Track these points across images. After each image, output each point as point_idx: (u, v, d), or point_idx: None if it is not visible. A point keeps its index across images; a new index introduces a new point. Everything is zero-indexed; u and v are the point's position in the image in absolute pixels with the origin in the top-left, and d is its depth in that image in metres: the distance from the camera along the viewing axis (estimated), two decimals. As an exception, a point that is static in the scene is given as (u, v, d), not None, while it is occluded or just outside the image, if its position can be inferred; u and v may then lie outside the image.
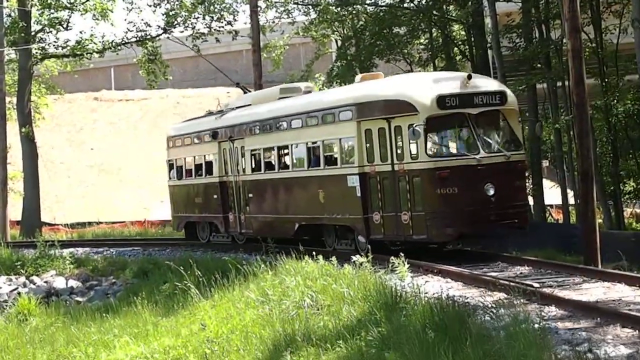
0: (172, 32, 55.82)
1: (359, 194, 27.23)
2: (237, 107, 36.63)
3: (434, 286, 20.26)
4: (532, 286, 19.10)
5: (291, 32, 52.10)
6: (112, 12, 55.93)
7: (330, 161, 29.32)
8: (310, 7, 51.18)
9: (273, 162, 32.97)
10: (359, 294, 18.22)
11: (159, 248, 39.86)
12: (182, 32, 56.28)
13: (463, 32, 50.60)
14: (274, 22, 52.11)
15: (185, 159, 39.61)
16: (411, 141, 25.21)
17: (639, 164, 43.15)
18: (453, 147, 26.74)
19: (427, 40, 49.87)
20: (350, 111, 27.97)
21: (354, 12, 48.55)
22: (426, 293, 17.93)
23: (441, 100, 25.37)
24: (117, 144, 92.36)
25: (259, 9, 47.99)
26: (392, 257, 21.62)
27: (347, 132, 27.95)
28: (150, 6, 55.83)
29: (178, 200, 40.48)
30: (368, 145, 27.18)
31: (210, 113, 40.30)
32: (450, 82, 26.46)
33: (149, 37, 55.83)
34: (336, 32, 50.31)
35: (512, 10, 50.31)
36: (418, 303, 15.90)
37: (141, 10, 71.67)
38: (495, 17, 43.81)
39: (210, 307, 21.21)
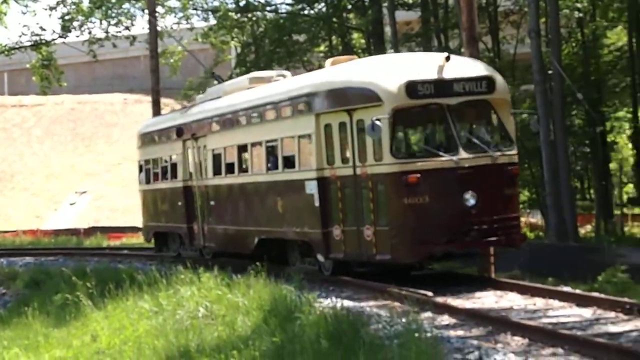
0: (67, 36, 53.85)
1: (317, 204, 22.21)
2: (206, 101, 31.24)
3: (329, 296, 19.75)
4: (425, 295, 18.59)
5: (190, 38, 51.91)
6: (5, 14, 54.03)
7: (289, 164, 23.86)
8: (209, 13, 51.16)
9: (234, 165, 27.09)
10: (253, 303, 17.90)
11: (52, 258, 38.14)
12: (79, 36, 54.44)
13: (363, 40, 50.12)
14: (172, 28, 51.87)
15: (152, 160, 33.97)
16: (371, 138, 20.15)
17: (533, 174, 43.56)
18: (425, 146, 21.56)
19: (327, 48, 50.04)
20: (307, 102, 22.76)
21: (253, 19, 48.33)
22: (321, 303, 17.75)
23: (412, 88, 20.23)
24: (10, 151, 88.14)
25: (157, 14, 46.65)
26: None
27: (305, 128, 22.74)
28: (46, 10, 53.65)
29: (146, 207, 35.15)
30: (328, 144, 22.06)
31: (184, 107, 36.11)
32: (424, 66, 21.09)
33: (44, 41, 53.64)
34: (235, 39, 50.24)
35: (412, 19, 50.97)
36: (313, 313, 15.96)
37: (36, 14, 70.57)
38: (394, 26, 42.95)
39: (103, 318, 20.74)
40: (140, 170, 35.48)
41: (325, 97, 22.21)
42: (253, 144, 25.86)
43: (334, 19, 45.34)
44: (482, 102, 21.36)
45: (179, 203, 30.90)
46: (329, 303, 17.62)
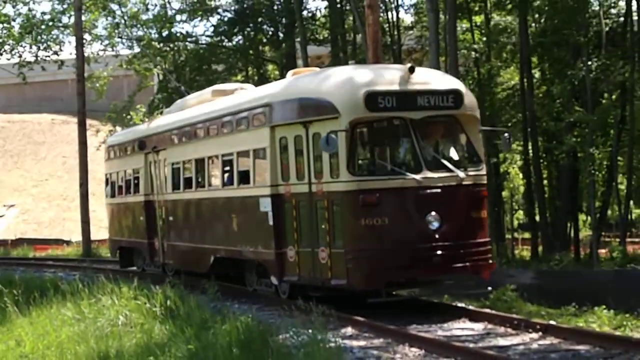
0: (-1, 59, 50.74)
1: (271, 222, 19.48)
2: (169, 113, 28.90)
3: (241, 308, 19.73)
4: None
5: (115, 64, 51.59)
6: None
7: (245, 179, 21.15)
8: (134, 41, 50.83)
9: (191, 179, 24.29)
10: (169, 313, 18.06)
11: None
12: (9, 59, 52.99)
13: (277, 72, 49.79)
14: (98, 54, 51.46)
15: (118, 173, 30.84)
16: (327, 153, 17.65)
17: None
18: (385, 164, 18.83)
19: (243, 78, 50.05)
20: (263, 113, 20.00)
21: (175, 48, 48.49)
22: (234, 313, 17.35)
23: (371, 100, 17.62)
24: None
25: (84, 41, 46.23)
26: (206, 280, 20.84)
27: (260, 141, 20.00)
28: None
29: (112, 220, 32.00)
30: (283, 158, 19.40)
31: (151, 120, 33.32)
32: (386, 77, 18.47)
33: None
34: (158, 66, 50.06)
35: (322, 54, 51.28)
36: (226, 323, 15.91)
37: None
38: (306, 59, 43.53)
39: (27, 324, 20.41)
40: (107, 183, 32.23)
41: (281, 109, 19.49)
42: (210, 158, 23.01)
43: (250, 51, 45.30)
44: (448, 118, 18.72)
45: (141, 218, 27.90)
46: (241, 314, 17.48)
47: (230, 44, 46.48)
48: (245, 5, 45.84)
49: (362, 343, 15.64)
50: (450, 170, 18.02)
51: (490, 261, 18.82)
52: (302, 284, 18.99)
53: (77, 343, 16.28)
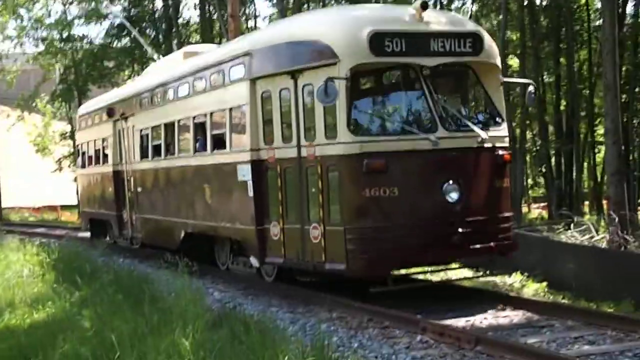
0: None
1: (250, 193, 13.86)
2: (139, 79, 23.41)
3: (124, 261, 19.48)
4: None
5: (23, 60, 50.50)
6: None
7: (220, 144, 15.34)
8: (39, 41, 49.79)
9: (160, 146, 18.45)
10: (66, 265, 17.92)
11: None
12: None
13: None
14: (9, 51, 50.40)
15: (88, 142, 24.60)
16: (323, 105, 11.98)
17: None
18: (393, 121, 12.80)
19: (130, 73, 49.50)
20: (242, 64, 14.13)
21: (73, 47, 47.61)
22: (118, 265, 17.55)
23: (377, 41, 12.09)
24: None
25: None
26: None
27: (238, 98, 14.22)
28: None
29: (82, 192, 26.12)
30: (266, 117, 13.68)
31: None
32: (394, 15, 13.01)
33: None
34: (59, 62, 49.00)
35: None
36: (111, 273, 15.81)
37: None
38: None
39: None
40: (78, 153, 26.45)
41: (263, 57, 13.61)
42: (180, 122, 17.24)
43: (136, 51, 44.75)
44: (466, 66, 13.22)
45: (110, 189, 22.02)
46: (125, 266, 17.50)
47: (119, 44, 45.75)
48: (131, 13, 45.23)
49: (221, 288, 15.43)
50: (470, 130, 12.61)
51: (512, 238, 13.22)
52: (287, 266, 13.59)
53: (-14, 293, 15.90)
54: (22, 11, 46.99)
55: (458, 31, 12.74)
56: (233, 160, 14.48)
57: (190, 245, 17.08)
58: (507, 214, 13.14)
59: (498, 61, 13.50)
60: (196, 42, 45.29)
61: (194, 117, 16.29)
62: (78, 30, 44.70)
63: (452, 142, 12.32)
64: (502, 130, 13.20)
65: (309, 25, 13.33)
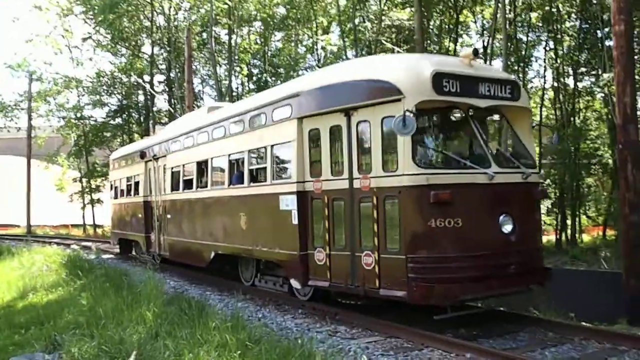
0: None
1: (295, 221, 9.66)
2: (166, 129, 18.74)
3: (112, 261, 18.31)
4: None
5: (49, 130, 49.35)
6: None
7: (258, 177, 11.27)
8: (60, 118, 48.17)
9: (192, 180, 14.07)
10: (72, 264, 17.25)
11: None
12: None
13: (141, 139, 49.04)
14: (40, 125, 48.81)
15: (120, 179, 20.81)
16: (402, 137, 7.85)
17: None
18: (454, 156, 8.65)
19: (122, 140, 48.56)
20: (289, 106, 10.05)
21: (83, 123, 45.83)
22: (108, 262, 16.79)
23: (439, 80, 8.15)
24: None
25: (32, 115, 44.79)
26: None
27: (282, 136, 10.19)
28: None
29: (114, 217, 22.02)
30: (313, 152, 9.64)
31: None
32: (447, 60, 9.08)
33: None
34: (74, 133, 47.42)
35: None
36: (102, 268, 15.33)
37: None
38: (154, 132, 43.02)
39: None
40: (111, 188, 22.26)
41: (312, 98, 9.59)
42: (213, 160, 12.80)
43: (125, 127, 43.75)
44: (506, 109, 9.25)
45: (140, 215, 18.00)
46: (111, 262, 16.83)
47: (113, 122, 44.59)
48: (123, 103, 44.17)
49: (176, 278, 14.70)
50: (516, 166, 8.89)
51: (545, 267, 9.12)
52: (334, 290, 9.37)
53: (18, 280, 15.15)
54: (49, 99, 45.68)
55: (501, 78, 8.98)
56: (274, 191, 10.22)
57: (218, 264, 12.88)
58: (541, 245, 9.24)
59: (530, 107, 9.70)
60: (165, 124, 44.34)
61: (228, 155, 12.00)
62: (87, 112, 43.14)
63: (504, 177, 8.46)
64: (535, 168, 9.23)
65: (368, 67, 9.01)
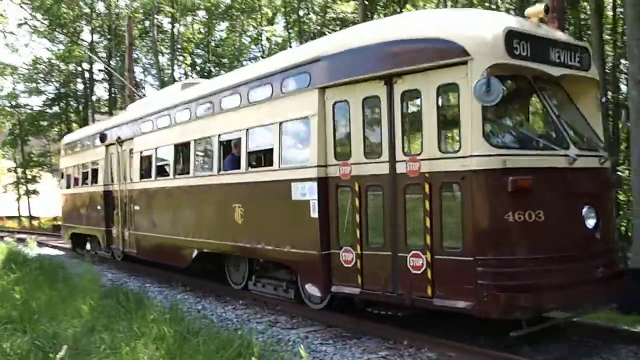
0: None
1: (314, 214, 7.27)
2: (133, 108, 15.19)
3: (50, 252, 18.23)
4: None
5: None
6: None
7: (260, 161, 9.08)
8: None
9: (168, 166, 11.56)
10: (5, 256, 16.63)
11: None
12: None
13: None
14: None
15: (74, 166, 17.56)
16: (484, 104, 5.76)
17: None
18: (531, 134, 6.68)
19: (59, 130, 47.20)
20: (306, 73, 7.58)
21: (19, 112, 44.64)
22: (42, 255, 15.79)
23: (510, 40, 6.04)
24: None
25: None
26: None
27: (296, 111, 7.69)
28: None
29: (66, 209, 18.54)
30: (339, 130, 7.24)
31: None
32: (514, 18, 7.02)
33: None
34: (8, 121, 45.63)
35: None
36: (37, 261, 14.78)
37: None
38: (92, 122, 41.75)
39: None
40: (62, 176, 19.07)
41: (337, 63, 7.27)
42: (199, 141, 10.36)
43: (63, 116, 42.40)
44: (578, 80, 7.08)
45: (98, 207, 15.04)
46: (47, 255, 16.30)
47: (51, 111, 43.13)
48: (61, 91, 42.75)
49: (114, 272, 14.16)
50: (593, 148, 6.94)
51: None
52: (367, 298, 7.18)
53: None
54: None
55: (571, 42, 7.00)
56: (284, 177, 8.01)
57: (201, 263, 10.56)
58: (615, 242, 7.26)
59: (598, 79, 7.65)
60: (104, 112, 43.20)
61: (218, 135, 9.65)
62: (22, 100, 41.61)
63: (583, 161, 6.54)
64: (604, 150, 7.21)
65: (419, 22, 6.90)
